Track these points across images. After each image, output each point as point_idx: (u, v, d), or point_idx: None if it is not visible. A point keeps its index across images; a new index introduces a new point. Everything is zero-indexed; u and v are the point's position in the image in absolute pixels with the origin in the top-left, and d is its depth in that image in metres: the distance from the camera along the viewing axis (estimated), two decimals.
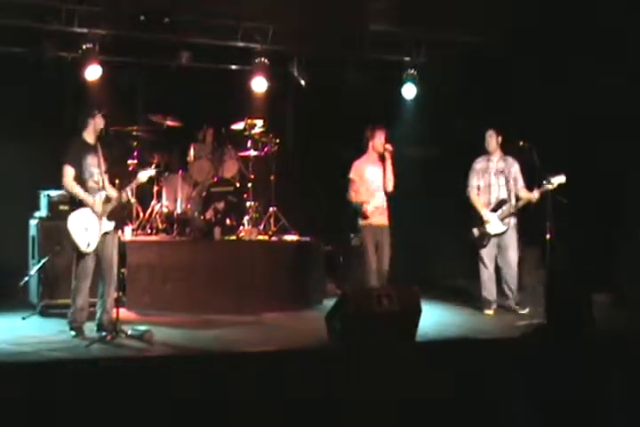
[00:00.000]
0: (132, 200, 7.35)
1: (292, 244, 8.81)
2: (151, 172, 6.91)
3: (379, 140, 7.58)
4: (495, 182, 7.91)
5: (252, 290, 8.08)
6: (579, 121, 8.56)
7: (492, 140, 7.92)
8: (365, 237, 7.58)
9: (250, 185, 9.07)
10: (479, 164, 8.03)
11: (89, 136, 6.60)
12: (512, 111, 8.86)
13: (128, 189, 6.67)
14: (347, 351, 5.81)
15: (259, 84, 9.40)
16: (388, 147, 7.52)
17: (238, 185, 9.09)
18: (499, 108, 9.02)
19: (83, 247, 6.43)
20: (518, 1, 8.42)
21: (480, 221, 7.88)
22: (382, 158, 7.60)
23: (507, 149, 7.96)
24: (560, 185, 7.40)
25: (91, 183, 6.52)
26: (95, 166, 6.55)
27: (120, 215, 6.87)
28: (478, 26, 8.65)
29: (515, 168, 7.88)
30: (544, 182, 7.44)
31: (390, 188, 7.60)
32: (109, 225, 6.56)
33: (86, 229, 6.44)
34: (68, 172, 6.45)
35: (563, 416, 3.07)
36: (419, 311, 6.38)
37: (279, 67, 9.50)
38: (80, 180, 6.50)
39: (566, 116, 8.67)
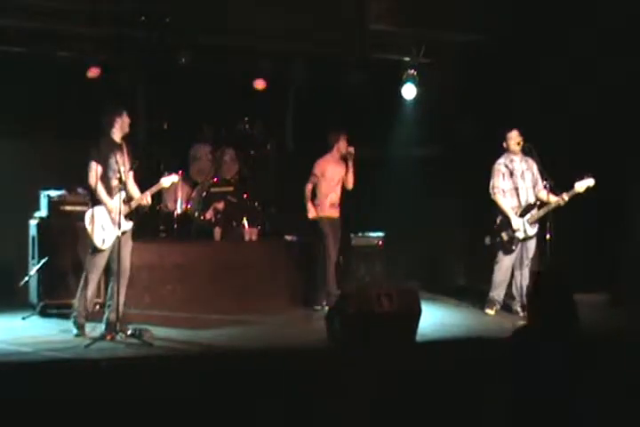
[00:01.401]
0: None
1: (292, 244, 8.81)
2: (174, 178, 6.88)
3: (343, 144, 8.07)
4: (522, 185, 7.71)
5: (251, 290, 8.09)
6: (579, 121, 8.55)
7: (516, 140, 7.69)
8: (324, 230, 8.02)
9: (250, 185, 9.07)
10: (503, 165, 7.77)
11: (116, 135, 6.62)
12: (512, 111, 8.85)
13: (149, 194, 6.70)
14: (347, 351, 5.81)
15: (259, 84, 9.40)
16: (351, 149, 8.04)
17: (238, 185, 9.08)
18: (499, 108, 9.01)
19: (98, 243, 6.44)
20: (518, 1, 8.42)
21: (509, 226, 7.65)
22: (344, 159, 8.12)
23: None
24: (588, 188, 7.35)
25: (114, 181, 6.51)
26: (121, 164, 6.52)
27: (136, 216, 6.88)
28: (478, 26, 8.64)
29: (535, 169, 7.73)
30: (573, 186, 7.35)
31: (351, 186, 8.16)
32: (127, 225, 6.55)
33: (102, 226, 6.45)
34: (94, 169, 6.46)
35: (539, 415, 3.07)
36: (419, 311, 6.39)
37: (279, 67, 9.49)
38: (104, 177, 6.51)
39: (566, 116, 8.66)
